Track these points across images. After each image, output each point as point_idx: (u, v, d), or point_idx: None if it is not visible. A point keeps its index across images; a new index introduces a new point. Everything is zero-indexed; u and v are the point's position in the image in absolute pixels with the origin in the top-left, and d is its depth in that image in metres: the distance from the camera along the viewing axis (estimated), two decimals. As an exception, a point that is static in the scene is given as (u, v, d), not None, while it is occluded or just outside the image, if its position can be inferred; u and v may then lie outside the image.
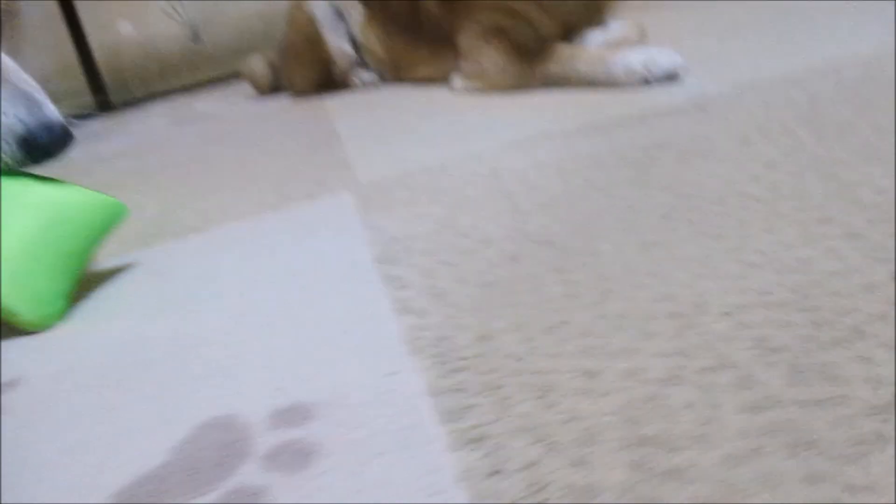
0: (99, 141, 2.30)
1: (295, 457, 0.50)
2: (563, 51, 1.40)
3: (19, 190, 0.81)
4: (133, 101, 2.83)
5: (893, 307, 0.51)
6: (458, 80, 1.63)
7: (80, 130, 2.63)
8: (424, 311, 0.66)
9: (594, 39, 1.53)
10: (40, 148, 0.80)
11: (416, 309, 0.67)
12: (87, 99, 2.80)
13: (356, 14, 1.95)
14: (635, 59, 1.28)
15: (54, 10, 2.73)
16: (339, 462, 0.49)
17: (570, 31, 1.58)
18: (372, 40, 1.94)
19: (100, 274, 0.95)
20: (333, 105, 1.88)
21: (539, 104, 1.34)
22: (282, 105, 2.10)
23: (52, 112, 0.82)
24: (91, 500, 0.50)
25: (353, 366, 0.60)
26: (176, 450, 0.54)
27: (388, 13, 1.85)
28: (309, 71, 2.08)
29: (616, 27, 1.55)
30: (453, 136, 1.26)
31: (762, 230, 0.67)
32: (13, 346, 0.78)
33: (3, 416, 0.64)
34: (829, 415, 0.43)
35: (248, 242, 0.95)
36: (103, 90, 2.84)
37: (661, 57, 1.27)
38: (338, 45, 2.00)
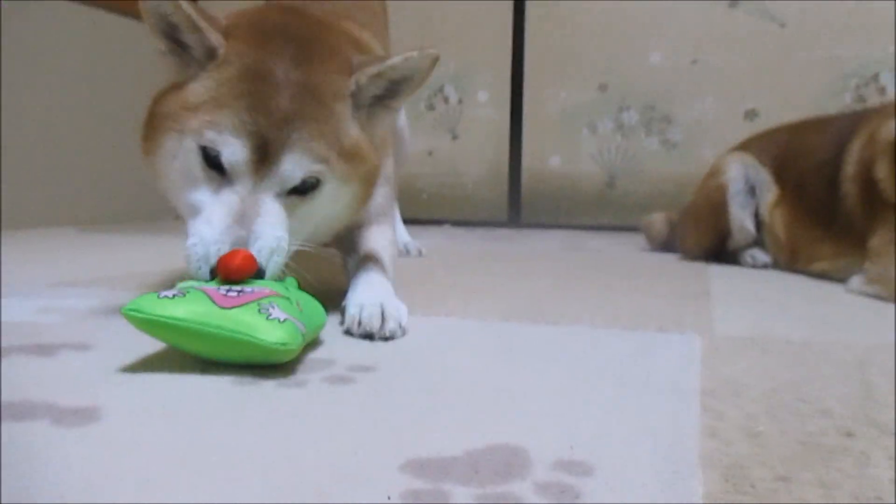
0: (505, 242, 2.63)
1: (564, 493, 0.54)
2: None
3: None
4: (537, 224, 3.16)
5: None
6: (856, 281, 1.54)
7: (492, 233, 2.96)
8: (730, 441, 0.65)
9: None
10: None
11: (723, 438, 0.66)
12: (503, 210, 3.21)
13: (769, 194, 1.96)
14: None
15: (505, 133, 3.23)
16: (597, 512, 0.51)
17: None
18: (777, 222, 1.92)
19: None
20: (716, 272, 1.89)
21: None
22: (667, 259, 2.18)
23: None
24: (383, 463, 0.60)
25: (644, 453, 0.62)
26: (467, 452, 0.61)
27: (802, 197, 1.83)
28: (704, 237, 2.12)
29: None
30: (826, 321, 1.19)
31: None
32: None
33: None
34: None
35: (591, 338, 1.02)
36: (518, 207, 3.22)
37: None
38: (740, 219, 2.02)
